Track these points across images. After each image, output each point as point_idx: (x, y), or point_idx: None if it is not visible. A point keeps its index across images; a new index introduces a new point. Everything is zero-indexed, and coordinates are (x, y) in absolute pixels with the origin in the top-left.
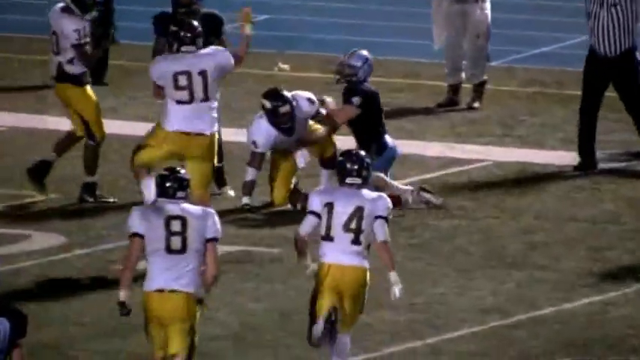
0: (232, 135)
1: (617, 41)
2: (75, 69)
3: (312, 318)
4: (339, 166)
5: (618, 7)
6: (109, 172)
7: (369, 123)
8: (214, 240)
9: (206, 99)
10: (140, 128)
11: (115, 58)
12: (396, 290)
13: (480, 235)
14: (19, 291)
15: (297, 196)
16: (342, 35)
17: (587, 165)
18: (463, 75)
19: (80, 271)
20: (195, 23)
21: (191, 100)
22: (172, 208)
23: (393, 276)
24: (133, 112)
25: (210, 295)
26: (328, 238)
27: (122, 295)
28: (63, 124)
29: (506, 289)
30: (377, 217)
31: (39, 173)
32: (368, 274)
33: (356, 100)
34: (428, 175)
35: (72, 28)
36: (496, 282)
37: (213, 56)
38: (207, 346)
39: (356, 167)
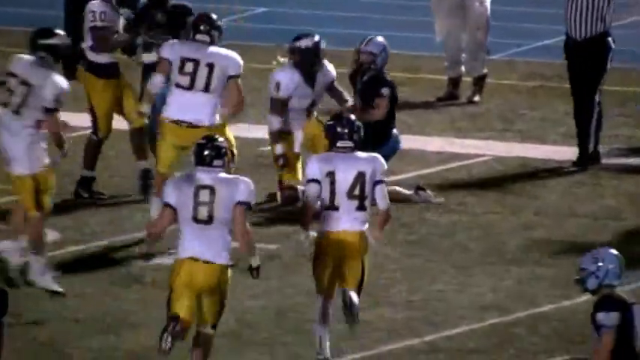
0: (232, 131)
1: (589, 25)
2: (96, 57)
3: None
4: (329, 130)
5: None
6: (105, 167)
7: (386, 114)
8: (243, 204)
9: (206, 91)
10: None
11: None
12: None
13: (480, 231)
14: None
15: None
16: (340, 29)
17: (585, 160)
18: (463, 68)
19: (74, 267)
20: (215, 16)
21: (190, 87)
22: (203, 177)
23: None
24: None
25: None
26: (333, 207)
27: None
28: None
29: (505, 286)
30: (376, 183)
31: (147, 183)
32: (367, 238)
33: (385, 91)
34: (427, 170)
35: (89, 10)
36: (495, 278)
37: (226, 58)
38: None
39: (347, 130)
